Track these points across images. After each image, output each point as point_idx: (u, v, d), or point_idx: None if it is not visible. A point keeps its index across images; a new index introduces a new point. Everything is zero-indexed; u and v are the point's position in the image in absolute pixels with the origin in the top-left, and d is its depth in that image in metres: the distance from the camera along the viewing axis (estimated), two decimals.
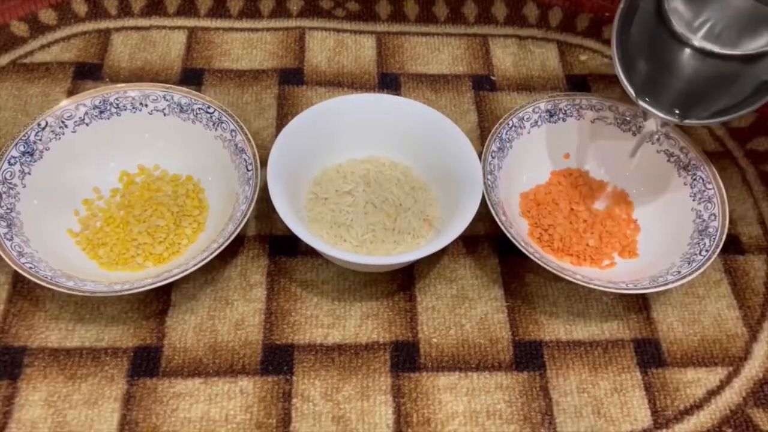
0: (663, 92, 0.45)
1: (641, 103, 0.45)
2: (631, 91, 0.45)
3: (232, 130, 0.48)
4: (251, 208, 0.44)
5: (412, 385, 0.43)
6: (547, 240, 0.48)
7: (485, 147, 0.49)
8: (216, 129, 0.49)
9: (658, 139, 0.50)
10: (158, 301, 0.45)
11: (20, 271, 0.40)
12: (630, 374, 0.44)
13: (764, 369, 0.45)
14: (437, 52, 0.61)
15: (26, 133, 0.46)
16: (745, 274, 0.49)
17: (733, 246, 0.51)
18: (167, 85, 0.50)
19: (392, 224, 0.47)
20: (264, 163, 0.46)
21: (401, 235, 0.47)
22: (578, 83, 0.60)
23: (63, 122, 0.48)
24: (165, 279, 0.41)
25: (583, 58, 0.62)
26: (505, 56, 0.62)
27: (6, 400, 0.41)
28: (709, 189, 0.48)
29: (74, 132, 0.48)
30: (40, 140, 0.47)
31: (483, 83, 0.59)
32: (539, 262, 0.43)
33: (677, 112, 0.44)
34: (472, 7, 0.64)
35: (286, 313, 0.45)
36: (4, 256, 0.41)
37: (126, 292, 0.41)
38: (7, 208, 0.44)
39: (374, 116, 0.50)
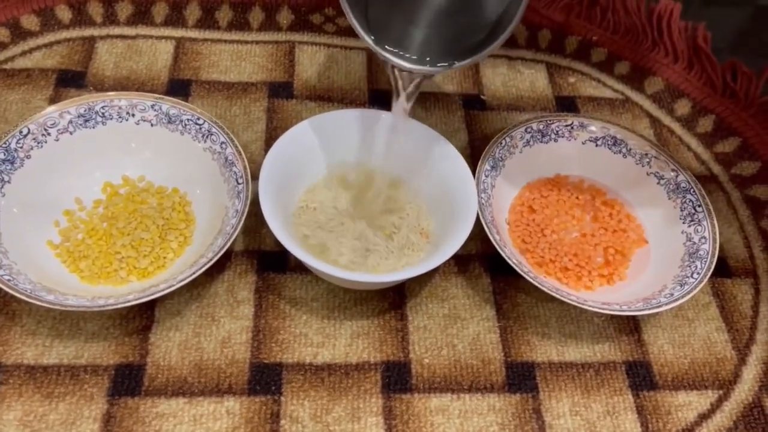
0: (406, 37, 0.41)
1: (384, 53, 0.41)
2: (369, 40, 0.41)
3: (222, 143, 0.47)
4: (241, 223, 0.43)
5: (403, 407, 0.42)
6: (540, 254, 0.48)
7: (479, 166, 0.48)
8: (205, 141, 0.47)
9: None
10: (141, 317, 0.44)
11: None
12: (622, 397, 0.44)
13: (753, 393, 0.45)
14: None
15: (7, 140, 0.44)
16: (733, 297, 0.50)
17: (720, 269, 0.51)
18: (156, 95, 0.48)
19: (385, 239, 0.46)
20: (254, 176, 0.45)
21: (395, 250, 0.46)
22: (567, 105, 0.60)
23: (46, 130, 0.46)
24: (152, 294, 0.39)
25: (571, 80, 0.62)
26: (495, 76, 0.62)
27: None
28: (699, 212, 0.48)
29: (57, 140, 0.46)
30: (21, 148, 0.45)
31: (473, 102, 0.59)
32: (534, 283, 0.43)
33: (428, 59, 0.40)
34: None
35: (274, 331, 0.44)
36: None
37: (110, 307, 0.39)
38: None
39: (368, 131, 0.49)
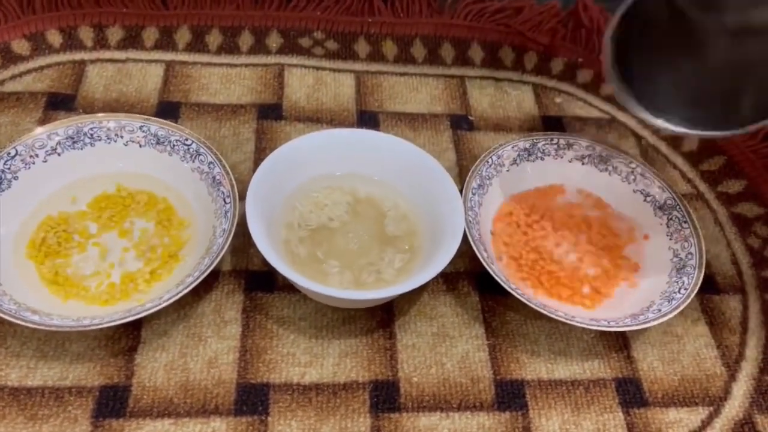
0: (674, 96, 0.43)
1: (657, 121, 0.45)
2: (644, 113, 0.45)
3: (210, 163, 0.47)
4: (228, 242, 0.43)
5: (392, 426, 0.42)
6: (527, 270, 0.48)
7: (465, 184, 0.49)
8: (193, 161, 0.48)
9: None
10: (127, 338, 0.43)
11: None
12: (612, 414, 0.44)
13: (744, 409, 0.45)
14: (415, 91, 0.62)
15: None
16: (722, 313, 0.50)
17: (708, 286, 0.51)
18: (144, 117, 0.49)
19: (373, 257, 0.46)
20: (241, 196, 0.45)
21: (383, 268, 0.46)
22: (553, 125, 0.61)
23: (34, 151, 0.46)
24: (138, 313, 0.39)
25: (558, 100, 0.63)
26: (482, 97, 0.62)
27: None
28: (686, 228, 0.49)
29: (45, 161, 0.47)
30: (9, 169, 0.45)
31: (461, 123, 0.60)
32: (522, 299, 0.43)
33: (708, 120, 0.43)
34: (449, 49, 0.65)
35: (261, 351, 0.44)
36: None
37: (95, 327, 0.39)
38: None
39: (357, 151, 0.50)
